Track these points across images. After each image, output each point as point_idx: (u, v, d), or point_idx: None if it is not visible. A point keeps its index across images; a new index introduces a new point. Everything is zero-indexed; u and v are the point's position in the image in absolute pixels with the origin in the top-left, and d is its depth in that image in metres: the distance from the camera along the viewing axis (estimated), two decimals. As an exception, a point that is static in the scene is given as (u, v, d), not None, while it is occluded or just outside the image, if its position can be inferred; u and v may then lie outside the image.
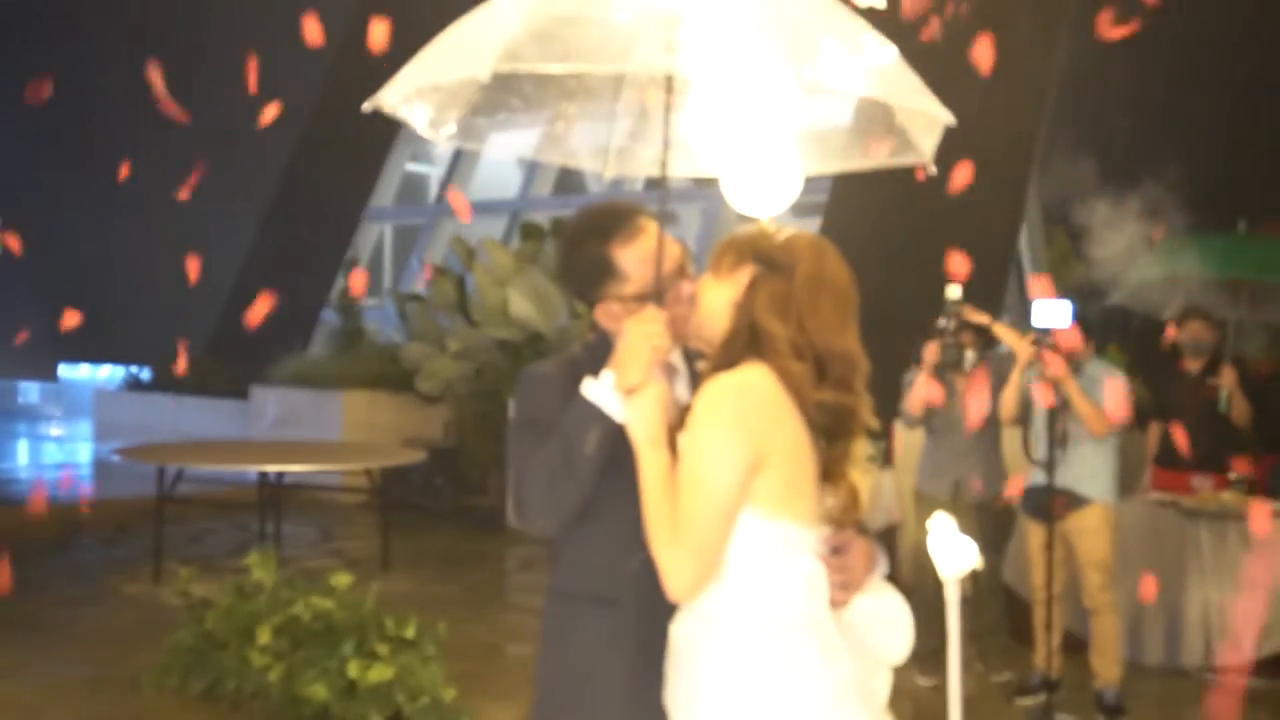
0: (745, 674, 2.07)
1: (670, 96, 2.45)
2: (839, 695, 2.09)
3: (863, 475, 2.24)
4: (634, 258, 2.31)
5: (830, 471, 2.17)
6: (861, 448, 2.23)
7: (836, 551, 2.18)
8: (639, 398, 2.14)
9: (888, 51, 2.48)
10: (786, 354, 2.11)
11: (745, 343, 2.15)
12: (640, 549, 2.13)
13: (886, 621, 2.24)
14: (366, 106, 2.55)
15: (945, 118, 2.55)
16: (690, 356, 2.39)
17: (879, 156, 2.71)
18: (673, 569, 2.06)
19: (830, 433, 2.16)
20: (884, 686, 2.26)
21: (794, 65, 2.28)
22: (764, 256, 2.19)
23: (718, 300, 2.21)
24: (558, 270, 2.37)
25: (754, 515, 2.09)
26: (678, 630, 2.15)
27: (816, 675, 2.08)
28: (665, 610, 2.14)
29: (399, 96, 2.54)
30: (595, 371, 2.25)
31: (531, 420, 2.28)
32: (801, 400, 2.11)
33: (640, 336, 2.17)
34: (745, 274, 2.19)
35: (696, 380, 2.30)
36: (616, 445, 2.17)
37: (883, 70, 2.43)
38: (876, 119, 2.66)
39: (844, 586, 2.17)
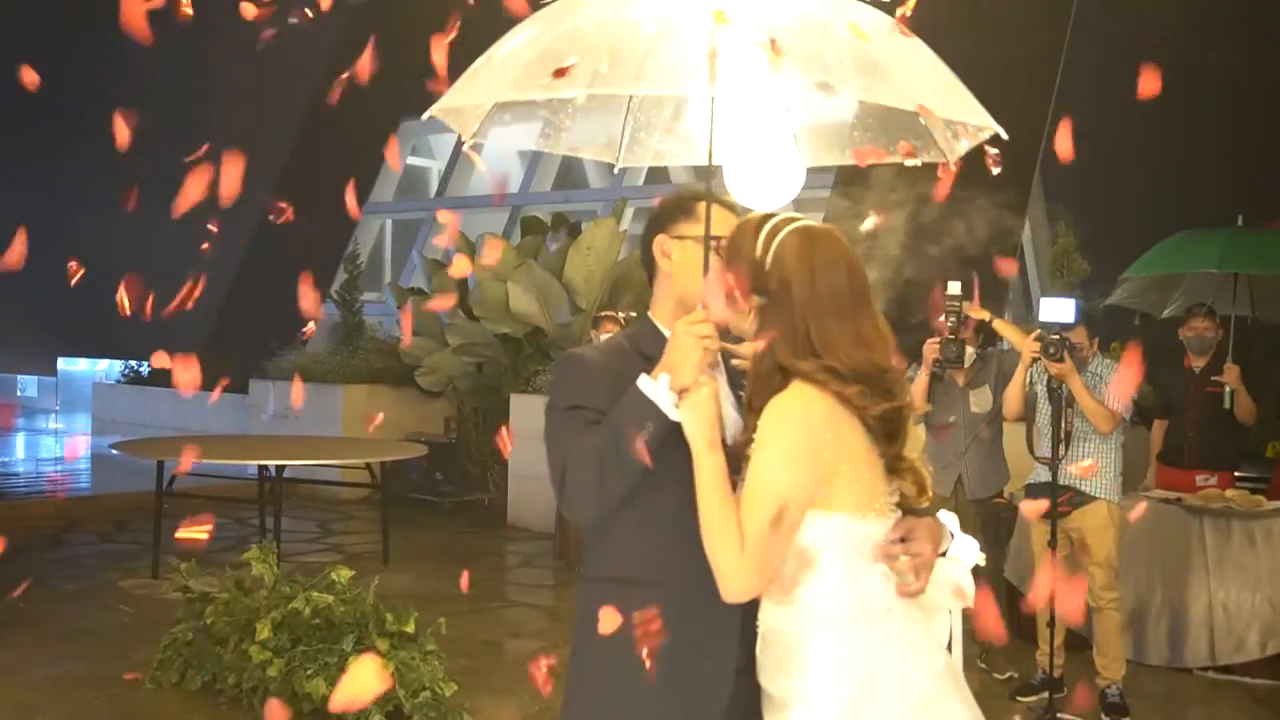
0: (857, 665, 2.17)
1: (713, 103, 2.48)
2: (940, 683, 2.22)
3: (920, 459, 2.32)
4: (711, 213, 2.39)
5: (895, 466, 2.25)
6: (914, 434, 2.31)
7: (903, 540, 2.25)
8: (693, 399, 2.18)
9: (929, 58, 2.50)
10: (829, 381, 2.17)
11: (779, 377, 2.21)
12: (677, 534, 2.21)
13: (944, 581, 2.35)
14: (433, 113, 2.59)
15: (991, 125, 2.57)
16: (726, 357, 2.44)
17: (900, 155, 2.72)
18: (736, 575, 2.13)
19: (888, 435, 2.23)
20: (943, 629, 2.39)
21: (839, 82, 2.32)
22: (761, 288, 2.24)
23: (735, 322, 2.29)
24: (650, 220, 2.45)
25: (844, 517, 2.18)
26: (778, 621, 2.22)
27: (922, 664, 2.21)
28: (701, 591, 2.19)
29: (471, 118, 2.72)
30: (640, 358, 2.32)
31: (575, 405, 2.31)
32: (861, 414, 2.19)
33: (690, 337, 2.21)
34: (751, 302, 2.25)
35: (731, 376, 2.41)
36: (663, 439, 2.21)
37: (932, 83, 2.48)
38: (896, 121, 2.68)
39: (917, 570, 2.24)
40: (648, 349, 2.35)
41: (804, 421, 2.15)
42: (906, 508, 2.29)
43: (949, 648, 2.41)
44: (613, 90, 2.46)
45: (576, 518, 2.35)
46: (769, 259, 2.23)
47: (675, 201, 2.49)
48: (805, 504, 2.16)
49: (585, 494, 2.25)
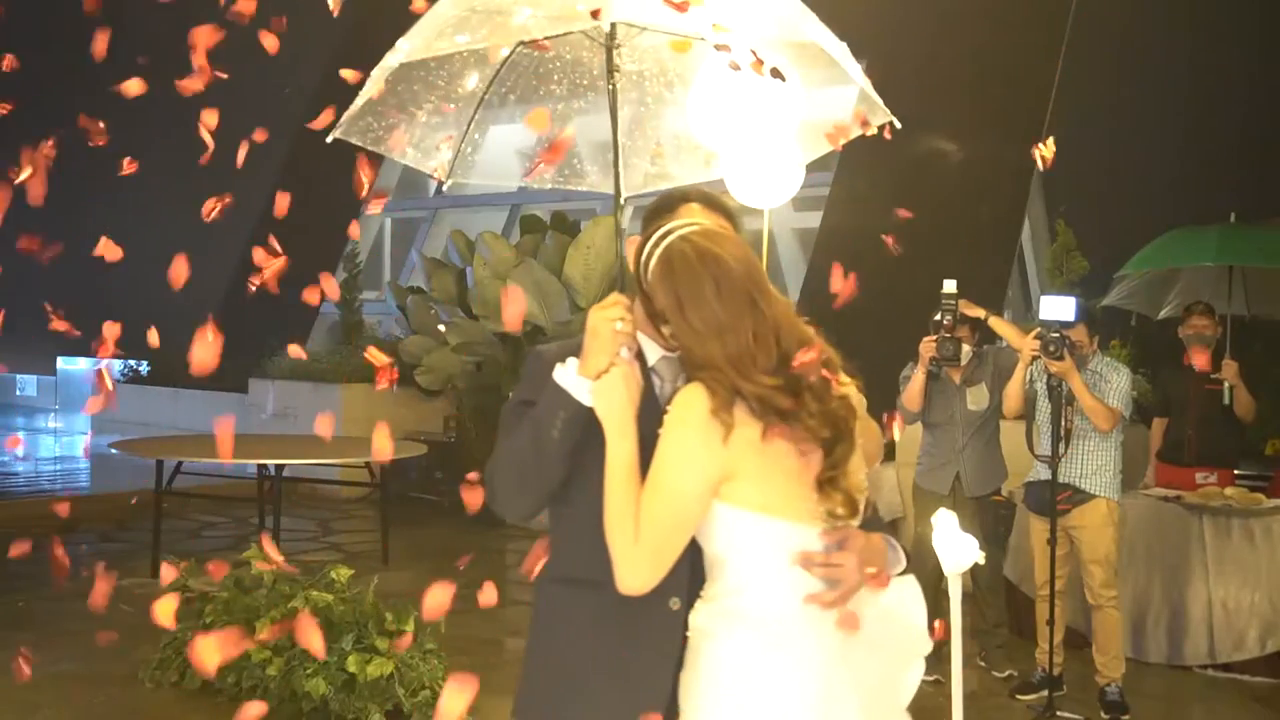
0: (749, 673, 2.10)
1: (610, 51, 2.51)
2: (828, 701, 2.11)
3: (861, 476, 2.21)
4: (703, 215, 2.36)
5: (821, 479, 2.13)
6: (872, 435, 2.22)
7: (830, 549, 2.14)
8: (604, 383, 2.15)
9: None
10: (707, 385, 2.09)
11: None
12: None
13: (907, 614, 2.27)
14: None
15: (844, 47, 2.60)
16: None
17: (858, 126, 2.74)
18: (628, 565, 2.09)
19: (822, 444, 2.12)
20: (912, 683, 2.31)
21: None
22: (654, 314, 2.20)
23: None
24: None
25: (756, 515, 2.10)
26: (696, 621, 2.17)
27: (803, 681, 2.10)
28: (651, 593, 2.14)
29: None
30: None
31: (524, 400, 2.30)
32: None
33: (601, 320, 2.19)
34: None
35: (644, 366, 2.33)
36: (592, 429, 2.17)
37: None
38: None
39: (834, 585, 2.13)
40: None
41: (699, 414, 2.08)
42: (829, 520, 2.15)
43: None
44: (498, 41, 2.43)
45: (504, 513, 2.32)
46: (649, 270, 2.19)
47: (661, 201, 2.47)
48: (706, 496, 2.09)
49: (509, 489, 2.26)
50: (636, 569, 2.08)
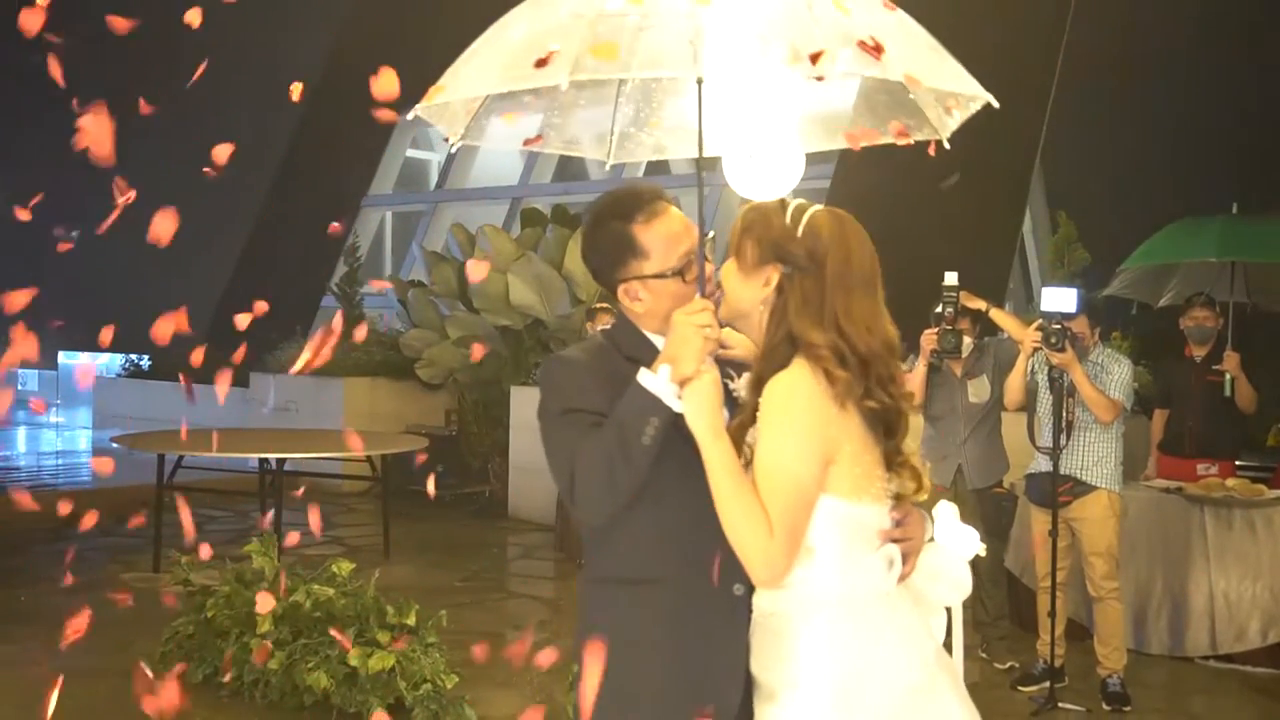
0: (853, 650, 2.16)
1: (701, 100, 2.46)
2: (930, 668, 2.21)
3: (917, 454, 2.34)
4: (655, 235, 2.33)
5: (891, 460, 2.25)
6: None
7: (899, 524, 2.28)
8: (696, 389, 2.16)
9: (914, 30, 2.47)
10: (830, 360, 2.15)
11: (787, 350, 2.19)
12: (680, 530, 2.22)
13: (939, 572, 2.37)
14: (414, 115, 2.57)
15: (981, 95, 2.55)
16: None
17: (892, 135, 2.68)
18: (768, 558, 2.11)
19: (886, 425, 2.22)
20: (940, 628, 2.39)
21: (805, 50, 2.26)
22: (788, 256, 2.20)
23: (745, 297, 2.26)
24: (582, 253, 2.37)
25: (837, 500, 2.17)
26: (773, 606, 2.21)
27: (909, 651, 2.20)
28: (705, 586, 2.21)
29: (455, 117, 2.67)
30: (623, 357, 2.31)
31: (571, 409, 2.28)
32: (858, 400, 2.17)
33: (690, 327, 2.19)
34: (771, 273, 2.21)
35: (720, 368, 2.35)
36: (669, 432, 2.19)
37: (912, 50, 2.42)
38: (885, 98, 2.64)
39: (907, 555, 2.28)
40: (630, 350, 2.33)
41: (809, 397, 2.13)
42: (899, 500, 2.29)
43: (950, 644, 2.41)
44: (597, 75, 2.39)
45: (590, 519, 2.31)
46: (800, 230, 2.20)
47: (636, 196, 2.38)
48: (820, 480, 2.14)
49: (599, 495, 2.22)
50: (776, 561, 2.11)
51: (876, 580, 2.20)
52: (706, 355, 2.20)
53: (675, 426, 2.18)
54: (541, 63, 2.27)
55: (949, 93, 2.55)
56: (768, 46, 2.27)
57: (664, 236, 2.33)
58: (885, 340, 2.20)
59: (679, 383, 2.18)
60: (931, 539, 2.40)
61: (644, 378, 2.20)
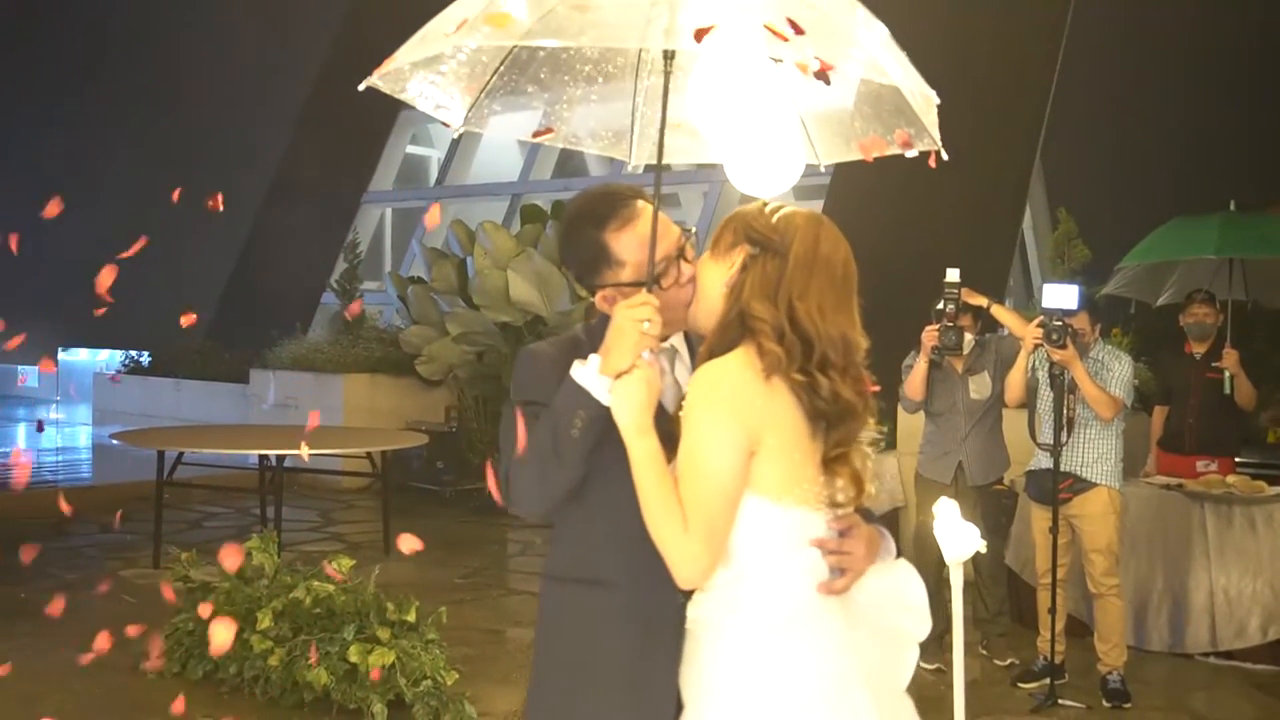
0: (757, 661, 2.07)
1: (668, 75, 2.38)
2: (842, 686, 2.10)
3: (865, 459, 2.19)
4: (629, 243, 2.27)
5: (829, 457, 2.13)
6: (866, 432, 2.20)
7: (840, 535, 2.16)
8: (624, 383, 2.10)
9: (878, 30, 2.42)
10: (767, 335, 2.08)
11: (739, 328, 2.13)
12: (631, 530, 2.11)
13: (903, 601, 2.26)
14: (367, 84, 2.50)
15: (932, 95, 2.50)
16: (694, 340, 2.35)
17: (898, 145, 2.64)
18: (685, 556, 2.04)
19: (828, 418, 2.12)
20: (909, 666, 2.29)
21: (799, 50, 2.21)
22: (757, 236, 2.15)
23: (713, 281, 2.19)
24: (559, 255, 2.32)
25: (761, 500, 2.08)
26: (694, 612, 2.14)
27: (818, 667, 2.09)
28: (659, 590, 2.13)
29: (406, 81, 2.52)
30: (595, 353, 2.22)
31: (526, 401, 2.25)
32: (789, 383, 2.08)
33: (628, 321, 2.13)
34: (739, 255, 2.16)
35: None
36: (607, 428, 2.13)
37: (880, 51, 2.37)
38: (889, 105, 2.60)
39: (841, 572, 2.16)
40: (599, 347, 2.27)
41: (734, 384, 2.06)
42: (834, 505, 2.16)
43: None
44: (548, 42, 2.27)
45: (523, 512, 2.28)
46: (775, 218, 2.17)
47: (614, 196, 2.32)
48: (742, 473, 2.06)
49: (528, 487, 2.19)
50: (694, 558, 2.03)
51: (797, 591, 2.11)
52: (641, 351, 2.13)
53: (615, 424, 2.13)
54: (457, 30, 2.19)
55: (920, 92, 2.51)
56: (741, 19, 2.19)
57: (639, 242, 2.25)
58: (843, 333, 2.12)
59: (612, 376, 2.12)
60: (898, 556, 2.30)
61: (575, 370, 2.16)
